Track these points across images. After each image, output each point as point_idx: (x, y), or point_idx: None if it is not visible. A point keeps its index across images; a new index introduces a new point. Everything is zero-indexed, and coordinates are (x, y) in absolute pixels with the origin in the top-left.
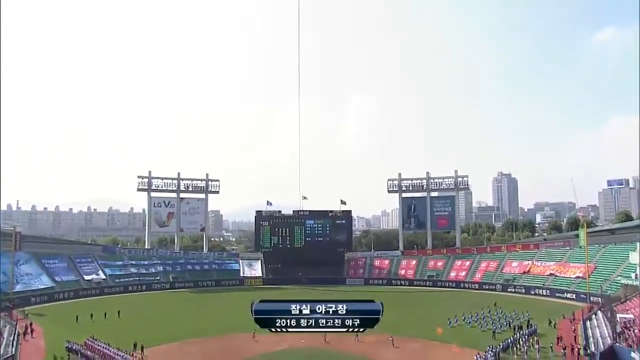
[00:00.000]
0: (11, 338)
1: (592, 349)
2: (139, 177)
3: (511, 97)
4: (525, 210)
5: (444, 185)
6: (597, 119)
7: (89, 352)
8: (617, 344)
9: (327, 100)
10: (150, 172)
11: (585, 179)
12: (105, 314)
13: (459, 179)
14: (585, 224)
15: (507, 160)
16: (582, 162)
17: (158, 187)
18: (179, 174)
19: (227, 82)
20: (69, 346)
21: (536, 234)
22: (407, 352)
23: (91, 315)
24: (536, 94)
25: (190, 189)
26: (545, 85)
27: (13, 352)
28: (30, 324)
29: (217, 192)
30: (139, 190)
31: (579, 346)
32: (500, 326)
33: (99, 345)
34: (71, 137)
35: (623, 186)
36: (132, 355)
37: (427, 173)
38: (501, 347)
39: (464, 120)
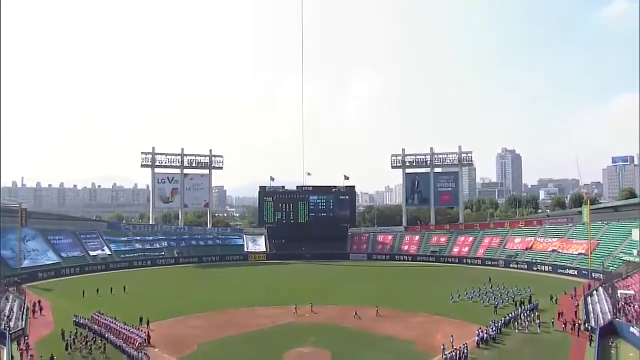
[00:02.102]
0: (21, 312)
1: (592, 324)
2: (142, 153)
3: (517, 73)
4: (529, 186)
5: (448, 161)
6: (603, 96)
7: (96, 326)
8: (617, 319)
9: (331, 76)
10: (153, 148)
11: (590, 156)
12: (111, 289)
13: (463, 155)
14: (588, 201)
15: (511, 136)
16: (587, 138)
17: (162, 163)
18: (182, 149)
19: (231, 58)
20: (77, 320)
21: (539, 211)
22: (410, 326)
23: (97, 290)
24: (542, 69)
25: (194, 164)
26: (552, 62)
27: (23, 326)
28: (39, 302)
29: (221, 168)
30: (142, 166)
31: (579, 321)
32: (502, 301)
33: (105, 320)
34: (75, 114)
35: (628, 163)
36: (138, 329)
37: (431, 149)
38: (503, 321)
39: (468, 96)
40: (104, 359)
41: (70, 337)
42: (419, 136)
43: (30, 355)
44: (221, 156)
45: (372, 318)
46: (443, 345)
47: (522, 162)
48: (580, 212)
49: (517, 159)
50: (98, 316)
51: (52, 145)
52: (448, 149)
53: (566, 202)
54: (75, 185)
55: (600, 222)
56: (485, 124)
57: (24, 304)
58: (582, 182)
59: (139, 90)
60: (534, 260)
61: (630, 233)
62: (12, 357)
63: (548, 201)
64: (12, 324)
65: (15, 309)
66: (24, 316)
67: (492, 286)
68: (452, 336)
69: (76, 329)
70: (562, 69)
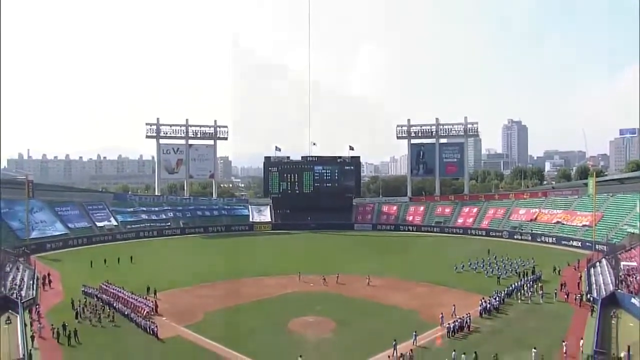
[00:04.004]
0: (31, 282)
1: (595, 295)
2: (147, 124)
3: (525, 43)
4: (535, 158)
5: (454, 131)
6: (612, 67)
7: (104, 296)
8: (619, 291)
9: (337, 45)
10: (158, 119)
11: (597, 128)
12: (118, 259)
13: (469, 126)
14: (594, 173)
15: (517, 107)
16: (595, 110)
17: (167, 134)
18: (187, 120)
19: (236, 27)
20: (86, 290)
21: (545, 182)
22: (414, 295)
23: (105, 261)
24: (551, 40)
25: (199, 135)
26: (560, 32)
27: (33, 295)
28: (48, 274)
29: (226, 139)
30: (147, 137)
31: (581, 292)
32: (506, 272)
33: (113, 289)
34: (80, 86)
35: (635, 135)
36: (146, 298)
37: (437, 119)
38: (506, 292)
39: (475, 66)
40: (113, 327)
41: (79, 306)
42: (424, 107)
43: (42, 324)
44: (226, 127)
45: (374, 288)
46: (442, 314)
47: (528, 133)
48: (585, 184)
49: (523, 130)
50: (106, 286)
51: (58, 117)
52: (454, 119)
53: (572, 174)
54: (81, 157)
55: (605, 194)
56: (492, 95)
57: (34, 274)
58: (588, 154)
59: (144, 61)
60: (538, 232)
61: (635, 205)
62: (25, 324)
63: (554, 173)
64: (23, 293)
65: (25, 279)
66: (34, 286)
67: (495, 257)
68: (453, 305)
69: (85, 298)
70: (573, 40)
